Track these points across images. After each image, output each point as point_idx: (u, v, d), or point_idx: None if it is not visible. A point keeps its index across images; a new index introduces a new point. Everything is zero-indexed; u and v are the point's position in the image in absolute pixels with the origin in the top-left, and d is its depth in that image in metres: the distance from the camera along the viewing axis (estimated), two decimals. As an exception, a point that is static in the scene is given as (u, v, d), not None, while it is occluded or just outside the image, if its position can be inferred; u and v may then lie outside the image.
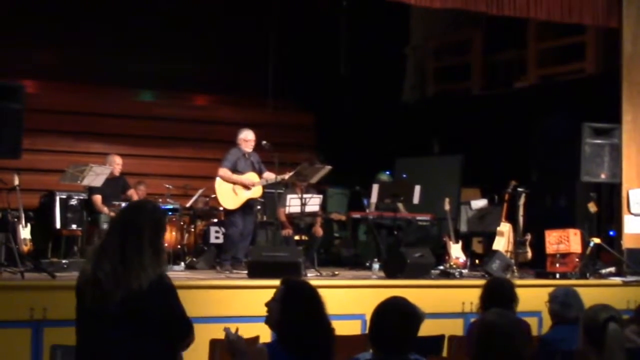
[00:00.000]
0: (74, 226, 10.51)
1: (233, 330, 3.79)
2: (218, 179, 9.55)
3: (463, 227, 11.70)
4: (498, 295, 5.35)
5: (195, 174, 12.51)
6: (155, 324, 3.60)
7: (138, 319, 3.58)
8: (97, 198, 9.96)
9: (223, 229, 10.44)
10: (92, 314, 3.64)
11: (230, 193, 9.51)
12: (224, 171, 9.53)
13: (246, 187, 9.53)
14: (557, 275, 9.29)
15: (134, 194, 10.59)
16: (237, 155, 9.64)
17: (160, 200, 11.19)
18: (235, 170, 9.56)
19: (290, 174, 9.60)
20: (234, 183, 9.50)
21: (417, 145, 13.72)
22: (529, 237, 10.06)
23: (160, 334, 3.62)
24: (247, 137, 9.69)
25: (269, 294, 3.83)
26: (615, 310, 3.78)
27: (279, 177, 9.54)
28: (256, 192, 9.65)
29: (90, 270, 3.66)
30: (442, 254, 10.39)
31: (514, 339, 3.53)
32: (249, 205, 9.63)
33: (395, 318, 3.66)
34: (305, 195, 9.90)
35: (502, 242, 10.05)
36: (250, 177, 9.60)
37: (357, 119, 13.79)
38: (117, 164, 10.36)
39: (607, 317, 3.65)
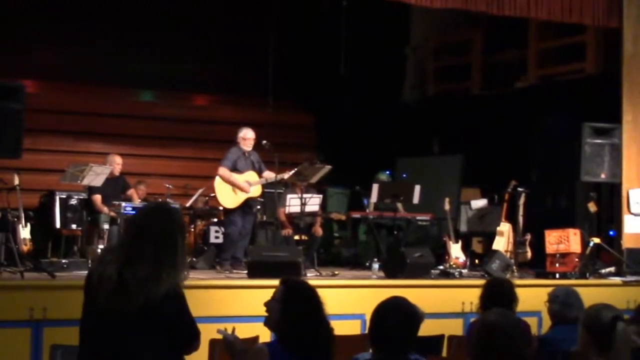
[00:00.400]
0: (73, 226, 10.50)
1: (229, 331, 3.78)
2: (217, 178, 9.55)
3: (463, 227, 11.70)
4: (498, 295, 5.34)
5: (195, 174, 12.51)
6: (165, 329, 3.57)
7: (150, 323, 3.55)
8: (97, 198, 9.96)
9: (223, 229, 10.43)
10: (103, 314, 3.57)
11: (229, 192, 9.51)
12: (223, 170, 9.53)
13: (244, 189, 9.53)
14: (557, 275, 9.30)
15: (134, 194, 10.59)
16: (237, 154, 9.64)
17: (160, 200, 11.20)
18: (235, 169, 9.56)
19: (290, 173, 9.60)
20: (232, 185, 9.49)
21: (417, 145, 13.72)
22: (528, 237, 10.06)
23: (168, 339, 3.60)
24: (246, 136, 9.69)
25: (269, 294, 3.83)
26: (616, 308, 3.77)
27: (279, 176, 9.55)
28: (255, 191, 9.65)
29: (115, 272, 3.56)
30: (442, 254, 10.39)
31: (514, 338, 3.53)
32: (248, 204, 9.63)
33: (395, 318, 3.66)
34: (305, 195, 9.90)
35: (502, 242, 10.05)
36: (250, 176, 9.59)
37: (357, 119, 13.78)
38: (117, 163, 10.36)
39: (614, 317, 3.64)
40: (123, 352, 3.56)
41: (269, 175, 9.63)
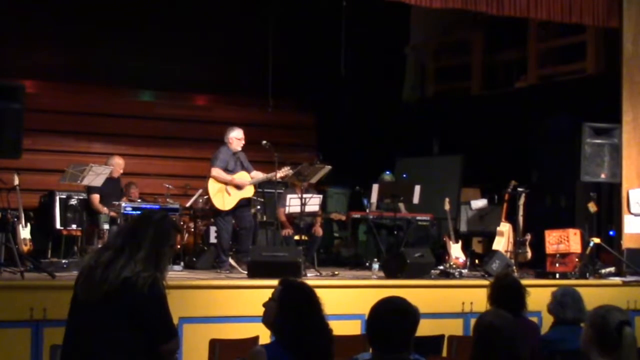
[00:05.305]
0: (73, 226, 10.51)
1: None
2: (211, 180, 9.51)
3: (463, 227, 11.71)
4: (507, 291, 5.29)
5: (195, 174, 12.49)
6: (127, 319, 3.69)
7: (112, 310, 3.68)
8: (95, 197, 9.94)
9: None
10: (79, 301, 3.80)
11: (222, 194, 9.46)
12: (217, 171, 9.48)
13: (238, 187, 9.49)
14: (557, 275, 9.30)
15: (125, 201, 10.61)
16: (228, 155, 9.59)
17: (160, 200, 11.20)
18: (226, 169, 9.52)
19: (280, 173, 9.55)
20: (227, 183, 9.46)
21: (417, 145, 13.72)
22: (528, 237, 10.06)
23: (139, 332, 3.70)
24: (238, 136, 9.62)
25: (269, 294, 3.84)
26: (625, 312, 3.75)
27: (269, 176, 9.54)
28: (248, 191, 9.61)
29: (88, 262, 3.86)
30: (442, 254, 10.39)
31: (511, 339, 3.53)
32: (240, 204, 9.58)
33: (389, 316, 3.65)
34: (305, 195, 9.90)
35: (502, 242, 10.05)
36: (242, 176, 9.56)
37: (357, 119, 13.79)
38: (119, 166, 10.34)
39: (621, 321, 3.63)
40: (90, 337, 3.71)
41: (257, 175, 9.61)
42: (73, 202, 10.61)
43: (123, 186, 10.77)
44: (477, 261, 10.77)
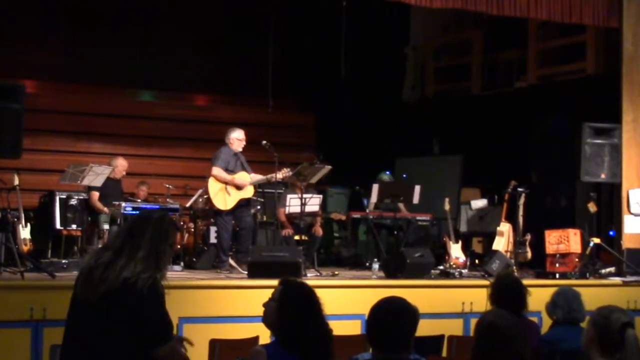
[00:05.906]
0: (73, 226, 10.51)
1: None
2: (211, 179, 9.52)
3: (463, 227, 11.69)
4: (508, 291, 5.29)
5: (195, 174, 12.49)
6: (126, 319, 3.69)
7: (110, 310, 3.69)
8: (94, 194, 9.94)
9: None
10: (78, 301, 3.80)
11: (222, 194, 9.46)
12: (218, 170, 9.49)
13: (238, 187, 9.49)
14: (557, 276, 9.29)
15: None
16: (229, 155, 9.60)
17: (160, 200, 11.20)
18: (226, 169, 9.52)
19: (280, 174, 9.56)
20: (227, 183, 9.46)
21: (417, 145, 13.72)
22: (528, 237, 10.06)
23: (136, 333, 3.71)
24: (239, 137, 9.64)
25: (269, 294, 3.84)
26: (627, 313, 3.75)
27: (268, 177, 9.54)
28: (248, 191, 9.61)
29: (88, 262, 3.86)
30: (442, 254, 10.39)
31: (512, 339, 3.53)
32: (240, 204, 9.58)
33: (387, 316, 3.65)
34: (305, 195, 9.89)
35: (502, 242, 10.05)
36: (242, 176, 9.56)
37: (357, 119, 13.79)
38: (121, 166, 10.34)
39: (624, 323, 3.62)
40: (88, 337, 3.72)
41: (256, 177, 9.62)
42: (73, 202, 10.61)
43: (135, 185, 10.77)
44: (477, 261, 10.77)
